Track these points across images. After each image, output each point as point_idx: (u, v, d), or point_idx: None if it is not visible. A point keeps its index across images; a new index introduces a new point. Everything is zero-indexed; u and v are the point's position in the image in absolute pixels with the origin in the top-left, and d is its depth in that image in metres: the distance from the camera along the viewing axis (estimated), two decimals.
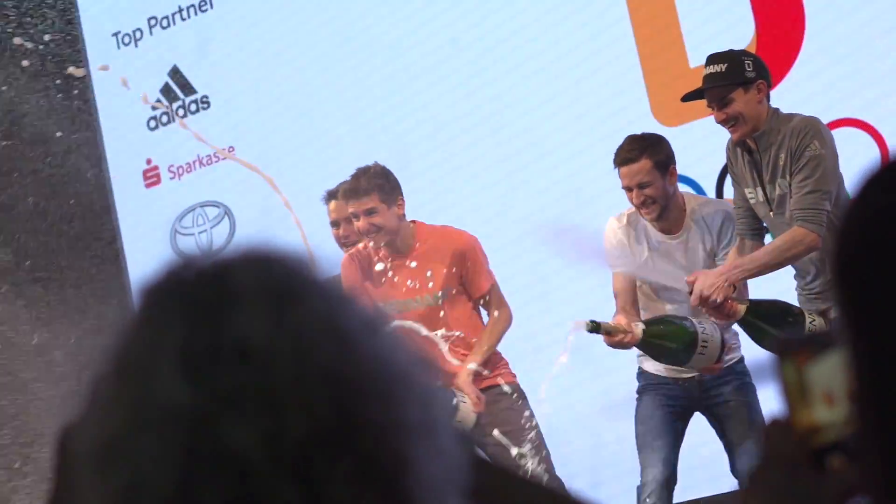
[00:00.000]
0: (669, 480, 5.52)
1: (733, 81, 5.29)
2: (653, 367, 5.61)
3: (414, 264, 5.90)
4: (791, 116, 5.34)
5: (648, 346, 5.29)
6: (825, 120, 6.38)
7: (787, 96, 6.50)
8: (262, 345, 1.03)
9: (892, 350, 1.09)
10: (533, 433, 5.80)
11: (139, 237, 8.25)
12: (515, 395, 5.88)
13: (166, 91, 8.38)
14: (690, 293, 5.17)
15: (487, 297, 5.92)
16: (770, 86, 5.37)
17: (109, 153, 8.51)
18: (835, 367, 1.16)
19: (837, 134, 6.35)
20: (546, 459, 5.80)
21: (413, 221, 6.00)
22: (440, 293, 5.89)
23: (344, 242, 6.23)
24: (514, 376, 5.97)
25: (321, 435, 1.02)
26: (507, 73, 7.28)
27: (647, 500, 5.48)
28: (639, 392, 5.70)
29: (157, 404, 1.03)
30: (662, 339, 5.27)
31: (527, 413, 5.86)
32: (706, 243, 5.53)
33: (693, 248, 5.53)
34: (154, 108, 8.40)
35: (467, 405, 5.64)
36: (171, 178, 8.31)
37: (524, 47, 7.24)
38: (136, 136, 8.42)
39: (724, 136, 6.28)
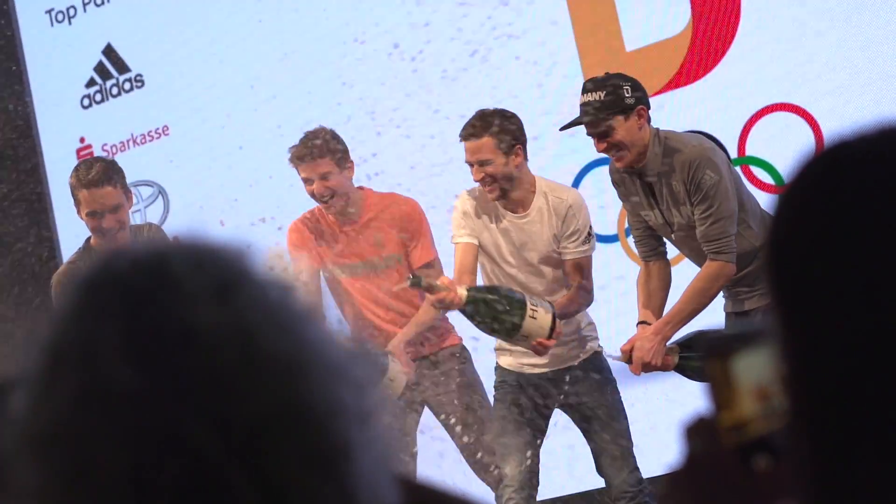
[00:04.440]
0: (530, 478, 5.48)
1: (612, 111, 5.13)
2: (506, 361, 5.58)
3: (362, 230, 5.84)
4: (674, 139, 5.21)
5: (477, 305, 5.08)
6: (760, 105, 6.44)
7: (723, 79, 6.54)
8: (206, 330, 1.03)
9: (826, 341, 1.09)
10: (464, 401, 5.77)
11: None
12: (452, 361, 5.84)
13: (100, 69, 8.32)
14: (628, 361, 5.16)
15: (428, 270, 5.73)
16: (649, 108, 5.23)
17: (42, 131, 8.44)
18: (763, 362, 1.16)
19: (771, 119, 6.40)
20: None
21: (360, 187, 5.95)
22: (388, 257, 5.84)
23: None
24: (459, 339, 5.92)
25: (269, 420, 1.02)
26: (444, 46, 7.25)
27: (509, 499, 5.45)
28: (495, 388, 5.65)
29: (101, 389, 1.01)
30: (490, 302, 5.08)
31: (460, 380, 5.82)
32: (551, 227, 5.47)
33: (538, 230, 5.47)
34: (87, 87, 8.34)
35: (397, 364, 5.54)
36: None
37: (459, 22, 7.21)
38: (70, 114, 8.35)
39: (665, 113, 6.31)
